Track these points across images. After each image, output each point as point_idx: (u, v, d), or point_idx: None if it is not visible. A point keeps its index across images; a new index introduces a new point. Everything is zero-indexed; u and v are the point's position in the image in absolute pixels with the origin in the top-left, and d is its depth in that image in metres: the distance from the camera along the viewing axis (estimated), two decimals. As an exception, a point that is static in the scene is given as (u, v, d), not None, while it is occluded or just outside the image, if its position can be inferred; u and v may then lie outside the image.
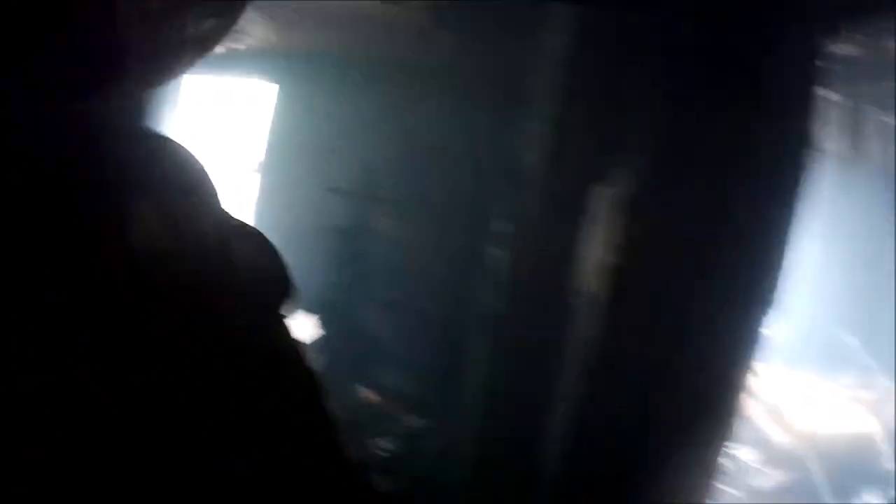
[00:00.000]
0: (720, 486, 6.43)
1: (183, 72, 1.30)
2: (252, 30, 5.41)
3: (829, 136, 3.33)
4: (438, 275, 6.28)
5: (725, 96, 1.93)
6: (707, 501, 2.18)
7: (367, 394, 6.04)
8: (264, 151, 7.36)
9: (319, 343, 6.08)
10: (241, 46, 5.70)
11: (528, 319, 2.72)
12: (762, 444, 7.00)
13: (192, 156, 1.26)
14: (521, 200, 3.15)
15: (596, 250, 2.05)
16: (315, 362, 1.44)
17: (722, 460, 2.18)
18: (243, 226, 1.38)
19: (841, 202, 7.70)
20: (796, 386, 7.88)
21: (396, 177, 6.46)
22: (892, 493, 6.86)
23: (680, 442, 2.19)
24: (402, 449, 5.35)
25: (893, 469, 6.86)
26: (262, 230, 1.38)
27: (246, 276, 1.25)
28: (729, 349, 2.03)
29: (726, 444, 2.26)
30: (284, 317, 1.34)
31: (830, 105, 4.25)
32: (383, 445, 5.32)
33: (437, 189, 6.42)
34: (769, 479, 6.76)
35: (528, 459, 2.63)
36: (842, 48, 3.53)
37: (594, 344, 2.06)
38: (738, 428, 6.71)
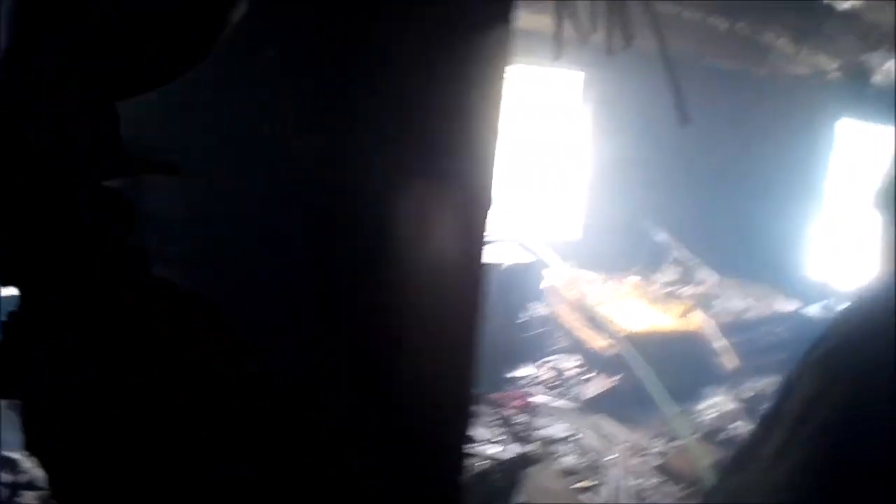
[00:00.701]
0: (547, 396, 6.30)
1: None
2: None
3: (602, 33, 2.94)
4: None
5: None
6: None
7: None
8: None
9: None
10: None
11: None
12: (586, 352, 6.45)
13: None
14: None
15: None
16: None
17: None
18: None
19: (627, 97, 7.15)
20: (617, 289, 7.38)
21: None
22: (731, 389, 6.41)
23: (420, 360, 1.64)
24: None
25: (729, 363, 6.36)
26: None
27: None
28: (454, 252, 1.70)
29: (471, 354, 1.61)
30: None
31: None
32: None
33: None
34: (595, 385, 6.31)
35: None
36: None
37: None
38: (559, 340, 6.86)
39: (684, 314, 6.60)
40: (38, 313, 1.04)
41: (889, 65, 5.10)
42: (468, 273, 1.74)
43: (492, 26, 1.68)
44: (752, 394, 6.20)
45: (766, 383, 6.47)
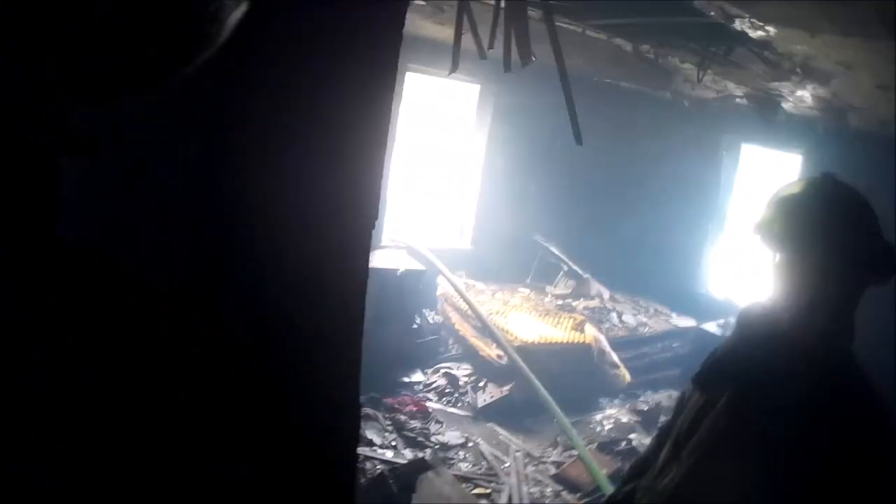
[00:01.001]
0: (441, 403, 6.16)
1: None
2: None
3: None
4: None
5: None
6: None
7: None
8: None
9: None
10: None
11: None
12: (478, 360, 6.36)
13: None
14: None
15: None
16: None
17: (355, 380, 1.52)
18: None
19: (522, 111, 7.24)
20: (508, 300, 7.35)
21: None
22: (625, 401, 6.45)
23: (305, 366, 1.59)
24: None
25: (621, 377, 6.42)
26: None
27: None
28: (338, 260, 1.62)
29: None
30: None
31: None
32: None
33: None
34: (488, 393, 6.22)
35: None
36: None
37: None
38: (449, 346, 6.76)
39: (577, 327, 6.62)
40: (38, 313, 1.02)
41: (800, 94, 5.29)
42: (353, 280, 1.62)
43: (383, 31, 1.59)
44: (646, 407, 6.26)
45: (662, 397, 6.58)
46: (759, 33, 4.38)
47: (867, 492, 1.79)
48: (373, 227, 1.59)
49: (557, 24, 3.77)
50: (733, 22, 4.21)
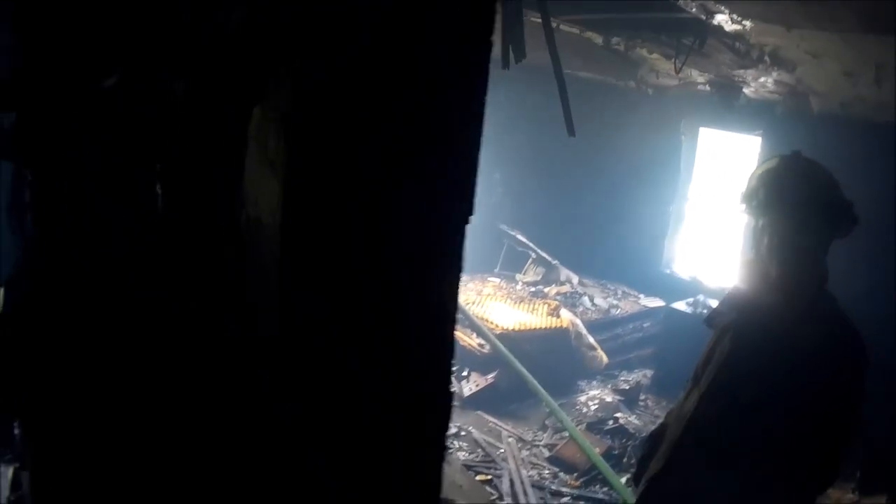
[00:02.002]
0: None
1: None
2: None
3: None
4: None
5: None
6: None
7: None
8: None
9: None
10: None
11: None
12: (460, 350, 6.44)
13: None
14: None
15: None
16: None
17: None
18: None
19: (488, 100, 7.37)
20: (481, 289, 7.54)
21: None
22: (605, 382, 6.66)
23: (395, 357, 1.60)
24: None
25: (599, 358, 6.63)
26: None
27: None
28: (433, 257, 1.62)
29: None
30: None
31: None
32: None
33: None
34: (473, 382, 6.33)
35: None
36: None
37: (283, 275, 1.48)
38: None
39: (553, 312, 6.80)
40: (39, 314, 1.05)
41: (763, 79, 5.53)
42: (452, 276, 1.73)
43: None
44: (627, 386, 6.49)
45: (638, 376, 6.83)
46: (736, 27, 4.57)
47: (847, 414, 2.25)
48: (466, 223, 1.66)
49: (533, 19, 3.90)
50: (713, 17, 4.41)
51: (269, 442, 1.27)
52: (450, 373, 1.60)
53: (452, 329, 1.58)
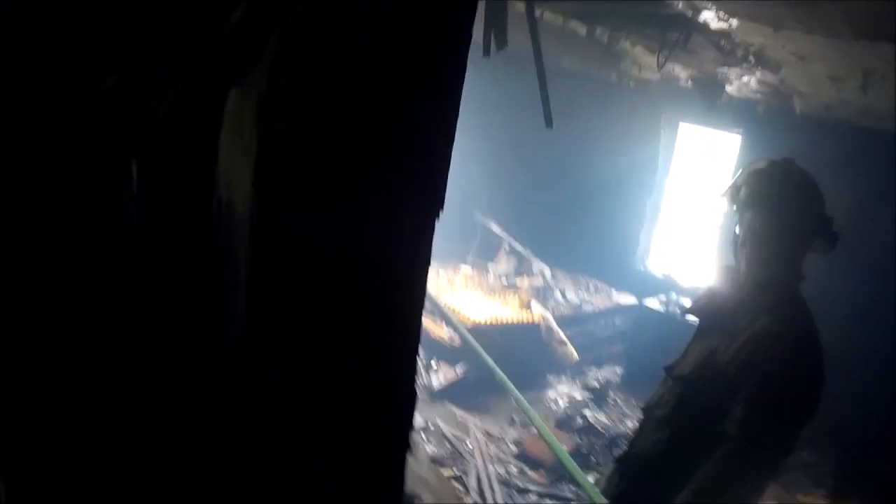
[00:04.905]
0: None
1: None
2: None
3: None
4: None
5: None
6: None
7: None
8: None
9: None
10: None
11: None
12: (430, 342, 6.38)
13: None
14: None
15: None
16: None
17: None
18: None
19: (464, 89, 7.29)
20: (451, 279, 7.44)
21: None
22: (574, 378, 6.60)
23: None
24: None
25: (569, 354, 6.57)
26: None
27: None
28: (407, 248, 1.50)
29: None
30: None
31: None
32: None
33: None
34: (443, 375, 6.27)
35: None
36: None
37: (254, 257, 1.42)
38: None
39: (524, 305, 6.72)
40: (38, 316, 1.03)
41: (746, 79, 5.47)
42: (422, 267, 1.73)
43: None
44: (597, 385, 6.43)
45: (608, 373, 6.78)
46: (722, 25, 4.49)
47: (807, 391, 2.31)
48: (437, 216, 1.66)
49: (517, 9, 3.79)
50: (699, 14, 4.31)
51: (268, 442, 1.26)
52: (415, 371, 1.57)
53: (418, 326, 1.55)
